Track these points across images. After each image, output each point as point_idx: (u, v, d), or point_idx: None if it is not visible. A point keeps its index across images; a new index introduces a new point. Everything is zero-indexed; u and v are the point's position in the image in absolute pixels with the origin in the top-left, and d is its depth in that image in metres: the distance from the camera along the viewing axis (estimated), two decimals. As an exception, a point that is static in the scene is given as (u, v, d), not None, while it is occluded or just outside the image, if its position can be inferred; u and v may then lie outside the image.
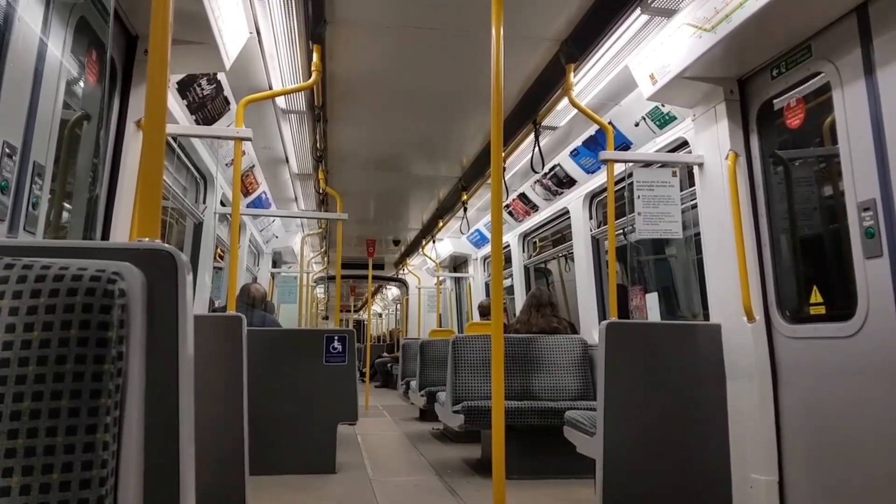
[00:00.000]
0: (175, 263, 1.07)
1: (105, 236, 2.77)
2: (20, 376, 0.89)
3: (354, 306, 21.60)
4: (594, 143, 4.77)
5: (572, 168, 5.27)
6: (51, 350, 0.90)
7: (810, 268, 3.00)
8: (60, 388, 0.90)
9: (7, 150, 1.97)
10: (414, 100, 4.68)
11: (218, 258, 6.23)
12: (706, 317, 3.29)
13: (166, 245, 1.09)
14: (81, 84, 2.69)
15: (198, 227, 5.26)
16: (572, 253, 5.95)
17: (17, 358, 0.89)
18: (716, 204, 3.14)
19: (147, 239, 1.15)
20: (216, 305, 5.73)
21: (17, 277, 0.92)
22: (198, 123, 4.08)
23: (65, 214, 2.71)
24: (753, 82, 3.06)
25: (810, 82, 2.77)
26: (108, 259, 1.02)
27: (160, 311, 1.05)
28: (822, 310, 2.75)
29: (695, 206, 3.61)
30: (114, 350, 0.94)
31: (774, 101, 2.97)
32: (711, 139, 3.18)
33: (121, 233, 2.78)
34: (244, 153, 4.68)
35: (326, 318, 19.78)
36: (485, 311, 7.28)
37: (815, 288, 2.81)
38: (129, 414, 0.98)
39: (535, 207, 6.46)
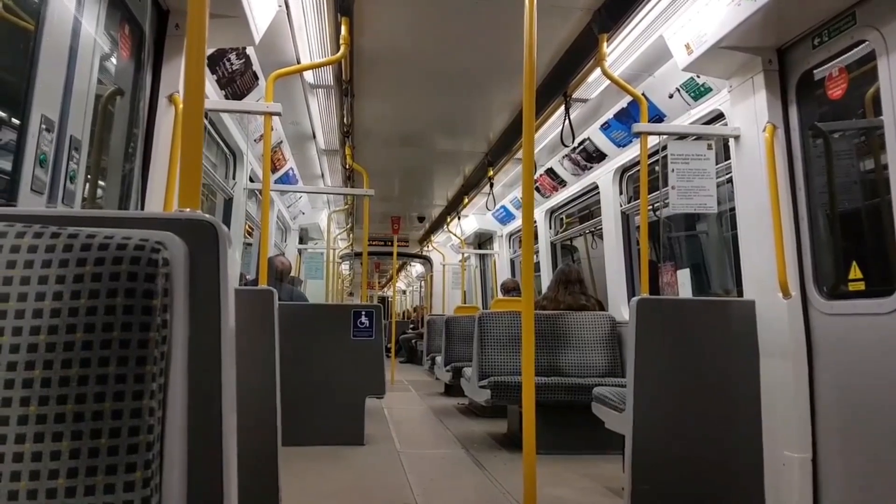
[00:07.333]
0: (216, 234, 1.07)
1: (140, 209, 2.80)
2: (68, 343, 0.90)
3: (379, 283, 21.74)
4: (626, 116, 4.68)
5: (602, 142, 5.18)
6: (97, 318, 0.91)
7: (850, 242, 2.92)
8: (107, 355, 0.90)
9: (45, 125, 1.99)
10: (440, 74, 4.63)
11: (246, 234, 6.29)
12: (739, 294, 3.24)
13: (207, 216, 1.09)
14: (114, 59, 2.70)
15: (228, 203, 5.31)
16: (600, 229, 5.88)
17: (64, 325, 0.90)
18: (752, 177, 3.06)
19: (188, 209, 1.15)
20: (247, 279, 5.80)
21: (63, 246, 0.93)
22: (227, 99, 4.09)
23: (99, 190, 2.74)
24: (793, 52, 2.96)
25: (853, 51, 2.67)
26: (151, 229, 1.02)
27: (202, 281, 1.05)
28: (861, 286, 2.68)
29: (729, 181, 3.54)
30: (158, 318, 0.95)
31: (815, 71, 2.87)
32: (748, 111, 3.09)
33: (155, 205, 2.81)
34: (273, 129, 4.68)
35: (352, 294, 19.93)
36: (508, 289, 7.26)
37: (854, 263, 2.74)
38: (173, 381, 0.99)
39: (562, 183, 6.39)
